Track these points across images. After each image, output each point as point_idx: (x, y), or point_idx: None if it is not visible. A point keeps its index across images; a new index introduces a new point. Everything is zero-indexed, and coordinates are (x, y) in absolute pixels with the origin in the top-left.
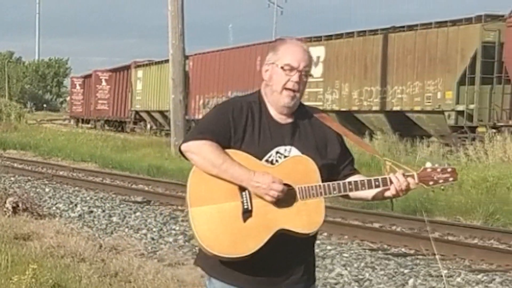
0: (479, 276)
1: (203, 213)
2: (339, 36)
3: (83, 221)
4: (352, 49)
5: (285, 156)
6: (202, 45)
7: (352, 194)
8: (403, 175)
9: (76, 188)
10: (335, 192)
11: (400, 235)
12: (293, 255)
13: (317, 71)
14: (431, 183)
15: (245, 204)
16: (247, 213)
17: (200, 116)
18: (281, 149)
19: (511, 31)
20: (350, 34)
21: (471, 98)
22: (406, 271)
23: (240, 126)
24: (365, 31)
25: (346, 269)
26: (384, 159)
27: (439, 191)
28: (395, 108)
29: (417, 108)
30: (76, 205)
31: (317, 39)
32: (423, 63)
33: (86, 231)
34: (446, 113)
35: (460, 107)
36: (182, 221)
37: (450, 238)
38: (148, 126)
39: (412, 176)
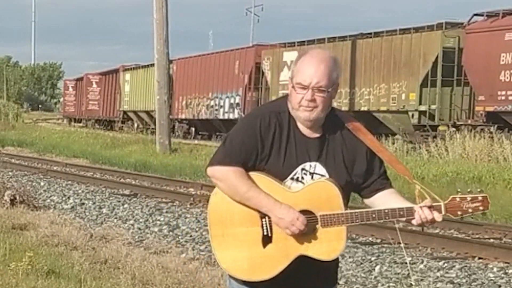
0: (440, 263)
1: (223, 235)
2: (311, 42)
3: (75, 212)
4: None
5: (310, 173)
6: (185, 50)
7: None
8: (429, 207)
9: (69, 182)
10: (357, 222)
11: (367, 225)
12: (313, 271)
13: (290, 74)
14: (459, 213)
15: (265, 230)
16: (266, 239)
17: (183, 116)
18: (307, 165)
19: (469, 38)
20: (321, 40)
21: (433, 99)
22: (373, 258)
23: (267, 142)
24: (335, 37)
25: None
26: (414, 182)
27: (401, 186)
28: (363, 109)
29: (383, 108)
30: (69, 197)
31: (291, 45)
32: (388, 67)
33: (78, 222)
34: (410, 113)
35: (423, 107)
36: (167, 212)
37: (414, 228)
38: (135, 125)
39: (439, 208)
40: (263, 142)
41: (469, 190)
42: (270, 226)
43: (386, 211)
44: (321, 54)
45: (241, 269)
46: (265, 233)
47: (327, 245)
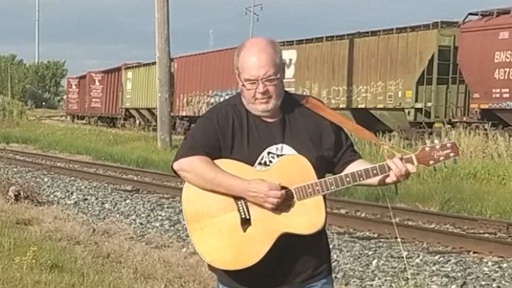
0: (436, 257)
1: (202, 228)
2: (309, 40)
3: (78, 207)
4: (321, 53)
5: (277, 156)
6: (186, 49)
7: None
8: (401, 159)
9: (72, 178)
10: (332, 188)
11: (364, 220)
12: (301, 253)
13: (289, 72)
14: (431, 162)
15: (242, 213)
16: (245, 222)
17: (184, 113)
18: (273, 148)
19: (465, 36)
20: (319, 39)
21: (429, 96)
22: (370, 252)
23: (227, 133)
24: (333, 36)
25: None
26: (381, 143)
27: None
28: (360, 106)
29: (380, 105)
30: (72, 193)
31: (289, 43)
32: (385, 65)
33: (81, 217)
34: (406, 110)
35: (419, 105)
36: (168, 207)
37: (410, 223)
38: (137, 122)
39: (411, 159)
40: (223, 133)
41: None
42: (247, 208)
43: (359, 172)
44: (259, 43)
45: (226, 259)
46: (243, 216)
47: (307, 218)
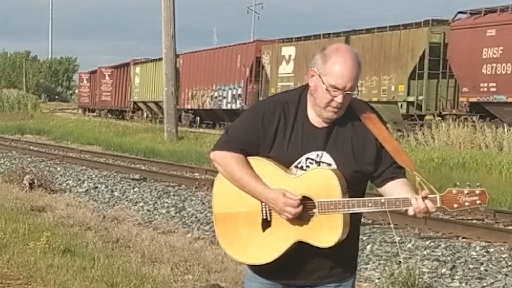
0: (427, 243)
1: (225, 218)
2: (308, 37)
3: (89, 195)
4: (319, 49)
5: (316, 162)
6: (191, 46)
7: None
8: (424, 198)
9: (83, 167)
10: (354, 209)
11: None
12: (318, 254)
13: (288, 68)
14: (455, 206)
15: (264, 214)
16: (266, 224)
17: (189, 106)
18: (313, 154)
19: (454, 34)
20: (317, 36)
21: (420, 90)
22: (365, 238)
23: (270, 131)
24: (329, 33)
25: None
26: (414, 174)
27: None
28: None
29: (374, 99)
30: (83, 181)
31: (289, 40)
32: (379, 61)
33: (92, 204)
34: (399, 103)
35: (411, 98)
36: (174, 195)
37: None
38: (145, 114)
39: (435, 199)
40: (265, 131)
41: (467, 183)
42: (269, 210)
43: (383, 200)
44: (352, 54)
45: (241, 253)
46: (264, 217)
47: (326, 232)
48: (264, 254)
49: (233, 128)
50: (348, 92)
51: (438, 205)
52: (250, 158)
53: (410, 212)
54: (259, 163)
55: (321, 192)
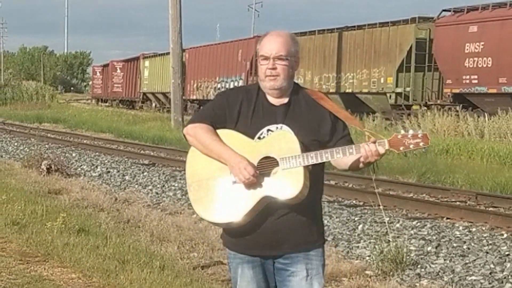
0: (414, 223)
1: (198, 186)
2: (303, 33)
3: (102, 179)
4: (313, 44)
5: None
6: (196, 41)
7: (334, 162)
8: (374, 142)
9: (97, 153)
10: (312, 160)
11: (351, 190)
12: (287, 220)
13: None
14: (401, 148)
15: (233, 177)
16: (235, 185)
17: (194, 97)
18: (273, 127)
19: (439, 30)
20: (312, 32)
21: (408, 82)
22: (356, 218)
23: (235, 108)
24: (324, 30)
25: None
26: (364, 130)
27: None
28: (347, 91)
29: (365, 90)
30: (96, 166)
31: None
32: (369, 55)
33: (105, 187)
34: (388, 94)
35: (399, 90)
36: (180, 179)
37: (391, 192)
38: (153, 104)
39: (383, 143)
40: (230, 107)
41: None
42: None
43: (337, 149)
44: (279, 31)
45: (214, 213)
46: (234, 180)
47: (289, 185)
48: (235, 212)
49: (203, 108)
50: (276, 58)
51: (387, 147)
52: (218, 130)
53: (364, 155)
54: (226, 132)
55: (283, 150)
